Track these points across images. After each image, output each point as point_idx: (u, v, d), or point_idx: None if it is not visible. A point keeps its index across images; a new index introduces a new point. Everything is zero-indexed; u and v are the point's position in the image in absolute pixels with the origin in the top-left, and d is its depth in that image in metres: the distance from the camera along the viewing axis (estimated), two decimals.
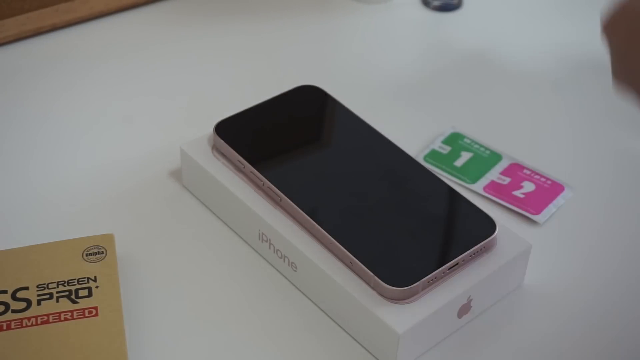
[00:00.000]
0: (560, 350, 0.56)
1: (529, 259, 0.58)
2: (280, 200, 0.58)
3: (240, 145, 0.61)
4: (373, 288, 0.54)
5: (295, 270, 0.57)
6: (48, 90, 0.72)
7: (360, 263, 0.54)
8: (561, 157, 0.68)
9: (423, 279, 0.53)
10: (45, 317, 0.53)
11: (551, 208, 0.64)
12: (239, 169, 0.60)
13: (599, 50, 0.79)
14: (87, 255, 0.56)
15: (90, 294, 0.54)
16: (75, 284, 0.54)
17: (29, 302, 0.53)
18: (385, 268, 0.54)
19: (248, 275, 0.59)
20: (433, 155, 0.67)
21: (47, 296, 0.54)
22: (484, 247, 0.56)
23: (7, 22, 0.74)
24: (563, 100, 0.73)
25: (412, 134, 0.69)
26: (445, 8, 0.82)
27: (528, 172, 0.66)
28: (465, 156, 0.67)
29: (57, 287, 0.54)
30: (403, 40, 0.80)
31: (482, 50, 0.78)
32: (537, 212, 0.63)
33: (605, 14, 0.48)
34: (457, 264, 0.55)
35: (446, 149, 0.68)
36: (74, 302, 0.53)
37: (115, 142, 0.68)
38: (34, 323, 0.52)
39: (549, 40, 0.79)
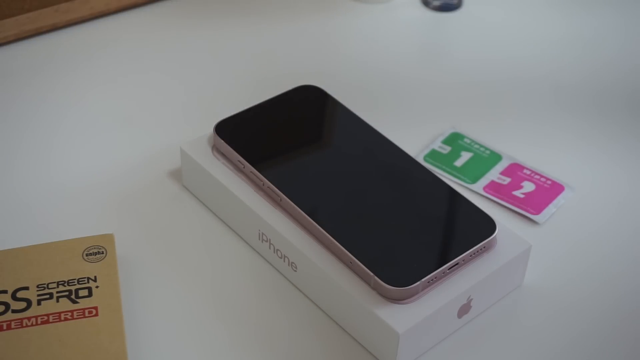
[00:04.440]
0: (560, 350, 0.56)
1: (529, 259, 0.58)
2: (280, 200, 0.58)
3: (240, 145, 0.61)
4: (373, 288, 0.54)
5: (295, 270, 0.57)
6: (48, 90, 0.72)
7: (360, 263, 0.54)
8: (561, 157, 0.68)
9: (423, 279, 0.53)
10: (45, 317, 0.53)
11: (551, 208, 0.64)
12: (239, 169, 0.60)
13: (599, 48, 0.79)
14: (87, 255, 0.56)
15: (90, 294, 0.54)
16: (75, 284, 0.54)
17: (29, 302, 0.53)
18: (385, 268, 0.54)
19: (248, 275, 0.59)
20: (433, 155, 0.67)
21: (47, 296, 0.54)
22: (484, 247, 0.56)
23: (7, 22, 0.74)
24: (563, 100, 0.73)
25: (412, 134, 0.69)
26: (445, 8, 0.82)
27: (528, 172, 0.66)
28: (465, 156, 0.67)
29: (57, 287, 0.54)
30: (403, 40, 0.80)
31: (482, 50, 0.78)
32: (537, 212, 0.63)
33: None
34: (457, 263, 0.55)
35: (446, 149, 0.68)
36: (74, 302, 0.53)
37: (115, 142, 0.68)
38: (34, 323, 0.52)
39: (549, 40, 0.79)
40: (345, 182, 0.59)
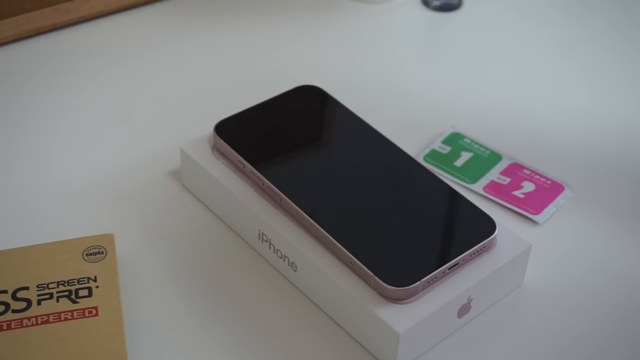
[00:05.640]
0: (560, 350, 0.56)
1: (529, 259, 0.58)
2: (280, 200, 0.58)
3: (240, 145, 0.61)
4: (373, 288, 0.54)
5: (295, 270, 0.57)
6: (48, 90, 0.72)
7: (360, 263, 0.54)
8: (561, 157, 0.68)
9: (423, 279, 0.53)
10: (45, 317, 0.53)
11: (551, 208, 0.64)
12: (239, 169, 0.60)
13: (599, 48, 0.79)
14: (87, 255, 0.56)
15: (90, 294, 0.54)
16: (75, 284, 0.54)
17: (29, 302, 0.53)
18: (385, 268, 0.54)
19: (248, 275, 0.59)
20: (433, 155, 0.67)
21: (47, 296, 0.54)
22: (484, 247, 0.56)
23: (7, 22, 0.74)
24: (562, 100, 0.73)
25: (412, 134, 0.69)
26: (445, 8, 0.82)
27: (528, 172, 0.66)
28: (465, 156, 0.67)
29: (57, 287, 0.54)
30: (403, 40, 0.80)
31: (482, 50, 0.78)
32: (537, 212, 0.63)
33: None
34: (457, 263, 0.55)
35: (446, 149, 0.68)
36: (74, 302, 0.53)
37: (115, 142, 0.68)
38: (34, 323, 0.52)
39: (549, 40, 0.79)
40: (345, 182, 0.59)
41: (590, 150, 0.69)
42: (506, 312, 0.57)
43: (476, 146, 0.68)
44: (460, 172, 0.66)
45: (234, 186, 0.60)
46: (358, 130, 0.63)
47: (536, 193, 0.65)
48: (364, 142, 0.62)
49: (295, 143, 0.63)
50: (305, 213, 0.57)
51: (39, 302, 0.53)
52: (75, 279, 0.55)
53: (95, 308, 0.53)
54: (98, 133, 0.68)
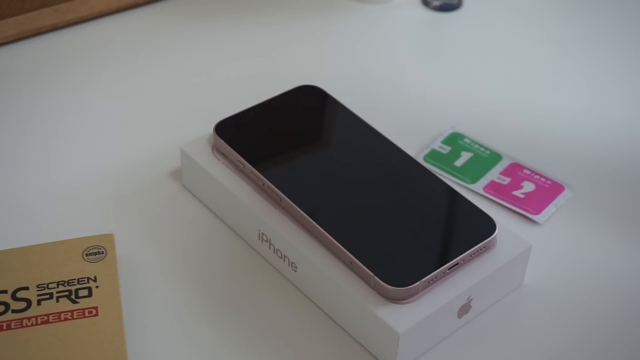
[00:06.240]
0: (559, 350, 0.56)
1: (529, 259, 0.58)
2: (280, 200, 0.58)
3: (240, 145, 0.61)
4: (373, 288, 0.54)
5: (295, 270, 0.57)
6: (48, 90, 0.72)
7: (360, 263, 0.54)
8: (561, 157, 0.68)
9: (423, 279, 0.53)
10: (45, 317, 0.53)
11: (551, 208, 0.64)
12: (239, 169, 0.60)
13: (599, 48, 0.79)
14: (87, 255, 0.56)
15: (90, 294, 0.54)
16: (75, 284, 0.54)
17: (29, 302, 0.53)
18: (385, 268, 0.54)
19: (248, 275, 0.59)
20: (433, 155, 0.67)
21: (47, 296, 0.54)
22: (484, 247, 0.56)
23: (7, 22, 0.74)
24: (562, 99, 0.73)
25: (412, 134, 0.69)
26: (445, 8, 0.82)
27: (528, 172, 0.66)
28: (465, 156, 0.67)
29: (57, 287, 0.54)
30: (403, 40, 0.80)
31: (482, 50, 0.78)
32: (537, 212, 0.63)
33: None
34: (457, 263, 0.55)
35: (446, 149, 0.68)
36: (74, 302, 0.53)
37: (115, 142, 0.68)
38: (34, 323, 0.52)
39: (549, 40, 0.79)
40: (345, 182, 0.59)
41: (590, 150, 0.69)
42: (506, 312, 0.57)
43: (476, 146, 0.68)
44: (460, 172, 0.66)
45: (234, 186, 0.60)
46: (358, 130, 0.63)
47: (536, 193, 0.65)
48: (364, 142, 0.62)
49: (295, 143, 0.63)
50: (305, 213, 0.57)
51: (38, 302, 0.53)
52: (75, 279, 0.55)
53: (95, 308, 0.53)
54: (98, 133, 0.68)
